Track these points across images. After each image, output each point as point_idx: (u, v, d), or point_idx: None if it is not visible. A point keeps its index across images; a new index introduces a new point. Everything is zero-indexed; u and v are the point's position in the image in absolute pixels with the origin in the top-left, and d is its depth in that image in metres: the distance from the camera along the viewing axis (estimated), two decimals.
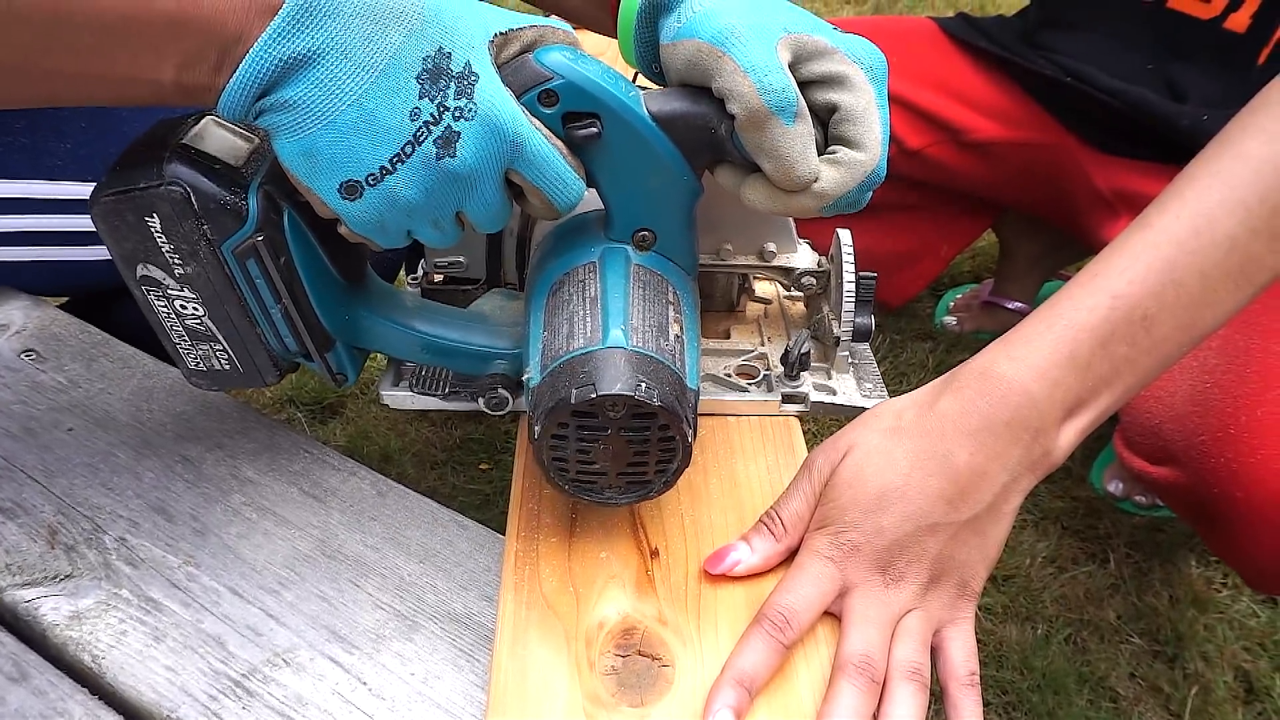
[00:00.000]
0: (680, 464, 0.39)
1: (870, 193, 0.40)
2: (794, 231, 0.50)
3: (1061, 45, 0.97)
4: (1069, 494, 1.09)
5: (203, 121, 0.40)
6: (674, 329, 0.40)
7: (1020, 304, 1.26)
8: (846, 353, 0.50)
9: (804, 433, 0.50)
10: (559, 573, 0.41)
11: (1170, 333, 0.40)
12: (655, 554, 0.42)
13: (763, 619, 0.38)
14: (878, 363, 1.44)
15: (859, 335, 0.49)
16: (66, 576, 0.43)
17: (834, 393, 0.49)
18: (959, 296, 1.37)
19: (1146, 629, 0.96)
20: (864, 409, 0.48)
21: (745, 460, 0.47)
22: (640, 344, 0.38)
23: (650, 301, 0.40)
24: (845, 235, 0.49)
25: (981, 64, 1.02)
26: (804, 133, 0.38)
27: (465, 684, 0.39)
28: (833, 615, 0.40)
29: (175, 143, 0.39)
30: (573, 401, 0.36)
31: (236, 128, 0.41)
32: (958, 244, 1.23)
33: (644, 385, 0.36)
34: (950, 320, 1.35)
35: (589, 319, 0.39)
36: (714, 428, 0.49)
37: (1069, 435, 0.40)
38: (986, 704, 0.90)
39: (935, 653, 0.40)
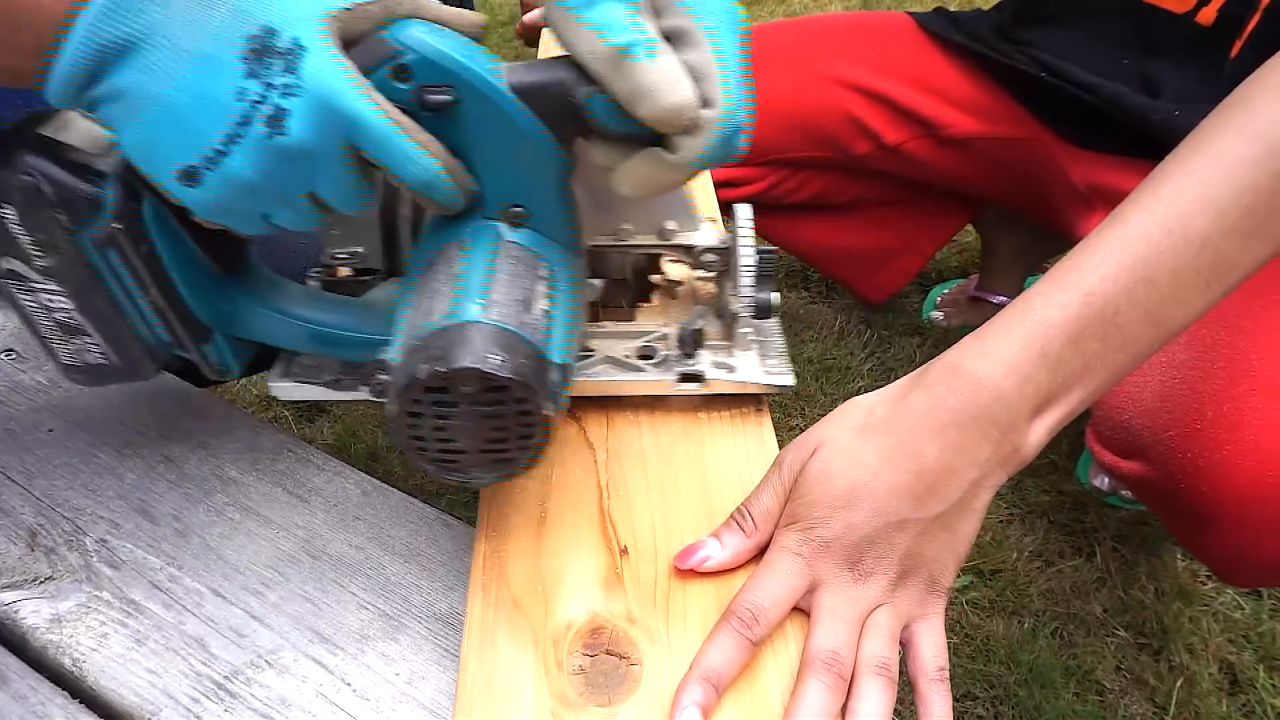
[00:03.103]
0: (543, 438, 0.38)
1: (738, 139, 0.39)
2: (694, 209, 0.49)
3: (1037, 39, 0.97)
4: (1055, 488, 1.10)
5: (68, 112, 0.40)
6: (541, 304, 0.39)
7: (1006, 298, 1.27)
8: (748, 330, 0.50)
9: (781, 429, 0.50)
10: (527, 572, 0.41)
11: (1142, 330, 0.41)
12: (624, 552, 0.42)
13: (731, 616, 0.38)
14: (865, 358, 1.43)
15: (760, 311, 0.48)
16: (47, 579, 0.43)
17: (733, 370, 0.49)
18: (946, 291, 1.38)
19: (1132, 622, 0.96)
20: (763, 385, 0.48)
21: (716, 457, 0.47)
22: (498, 318, 0.37)
23: (517, 277, 0.40)
24: (743, 210, 0.49)
25: (959, 59, 1.03)
26: (667, 64, 0.36)
27: (450, 684, 0.39)
28: (802, 612, 0.40)
29: (31, 133, 0.39)
30: (422, 377, 0.36)
31: None
32: (938, 239, 1.24)
33: (495, 359, 0.36)
34: (937, 315, 1.35)
35: (447, 294, 0.38)
36: (685, 425, 0.49)
37: (1039, 431, 0.40)
38: (974, 698, 0.90)
39: (905, 648, 0.40)
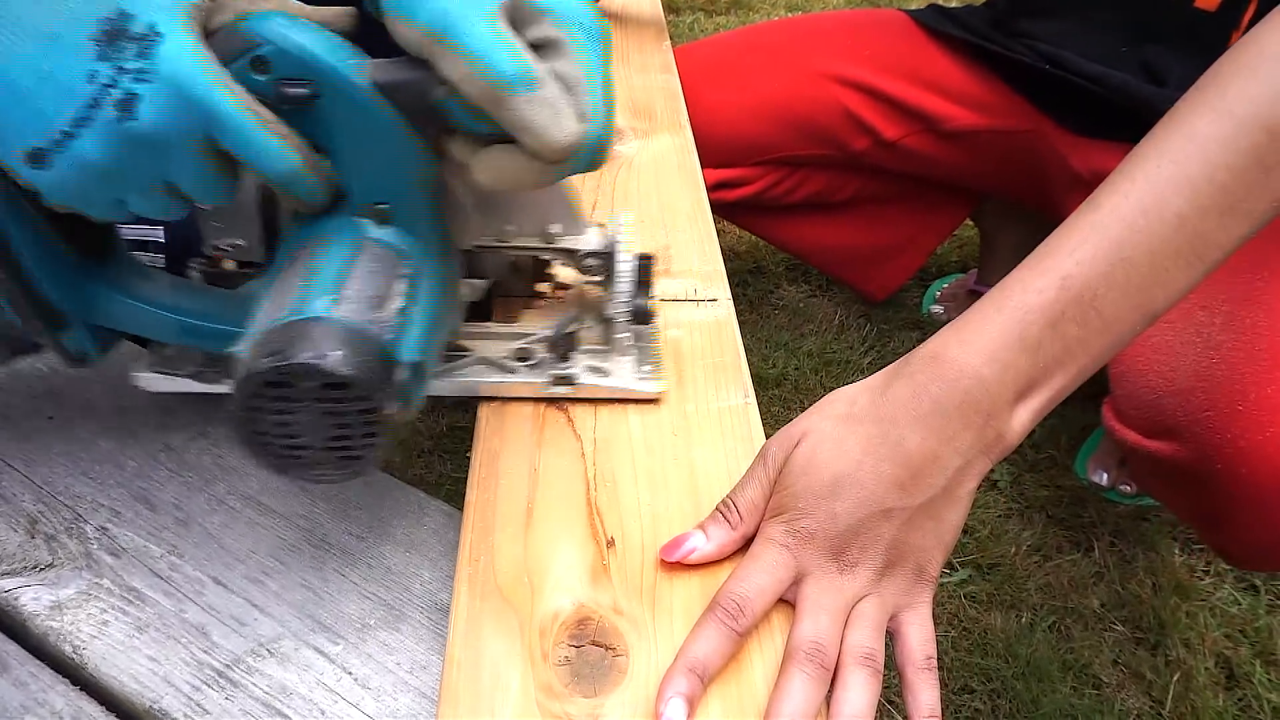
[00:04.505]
0: (389, 438, 0.38)
1: (603, 154, 0.38)
2: (578, 212, 0.49)
3: (1035, 31, 0.97)
4: (1054, 483, 1.10)
5: None
6: (395, 303, 0.39)
7: None
8: (626, 335, 0.50)
9: (780, 422, 0.50)
10: (514, 563, 0.41)
11: (1122, 312, 0.40)
12: (611, 543, 0.42)
13: (716, 607, 0.38)
14: (864, 351, 1.43)
15: (637, 317, 0.48)
16: (47, 566, 0.43)
17: (606, 374, 0.49)
18: (945, 286, 1.38)
19: (1130, 616, 0.97)
20: (634, 391, 0.49)
21: (703, 449, 0.47)
22: (345, 314, 0.37)
23: (373, 274, 0.39)
24: (625, 217, 0.49)
25: (956, 53, 1.03)
26: (549, 97, 0.35)
27: None
28: (789, 603, 0.40)
29: None
30: (260, 371, 0.35)
31: None
32: (938, 235, 1.24)
33: (335, 355, 0.35)
34: (937, 309, 1.35)
35: (298, 290, 0.38)
36: (672, 417, 0.49)
37: (1023, 417, 0.40)
38: (971, 690, 0.90)
39: (893, 638, 0.40)
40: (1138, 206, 0.41)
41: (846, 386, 0.43)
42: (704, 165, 1.11)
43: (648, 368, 0.50)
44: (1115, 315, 0.40)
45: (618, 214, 0.50)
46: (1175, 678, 0.90)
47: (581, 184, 0.68)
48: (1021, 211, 1.18)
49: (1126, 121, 0.90)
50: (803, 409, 0.44)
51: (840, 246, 1.20)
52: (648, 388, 0.49)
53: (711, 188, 1.08)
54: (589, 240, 0.49)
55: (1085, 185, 0.97)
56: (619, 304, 0.48)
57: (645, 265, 0.48)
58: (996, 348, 0.40)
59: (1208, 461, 0.61)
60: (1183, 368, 0.64)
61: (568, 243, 0.49)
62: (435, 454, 1.12)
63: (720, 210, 1.14)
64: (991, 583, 1.00)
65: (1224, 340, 0.64)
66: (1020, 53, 0.96)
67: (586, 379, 0.49)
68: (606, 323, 0.50)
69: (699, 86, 1.03)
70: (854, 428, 0.40)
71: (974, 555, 1.02)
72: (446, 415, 1.17)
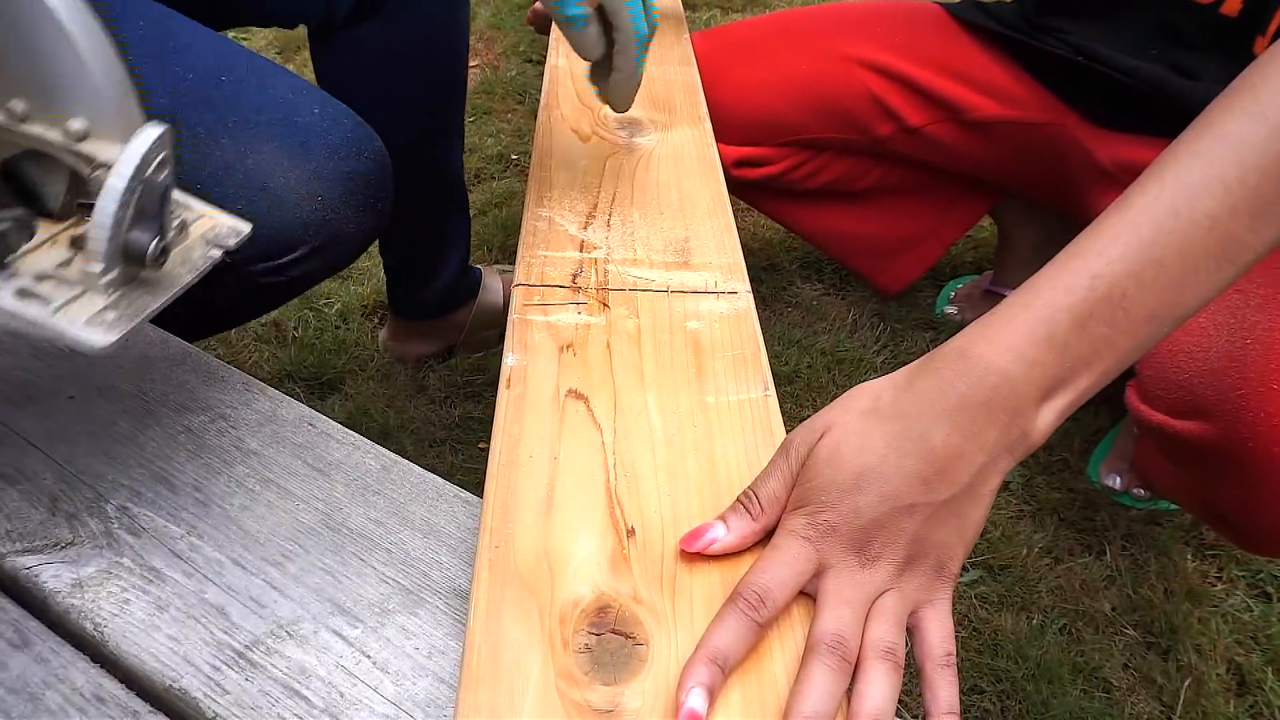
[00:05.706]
0: None
1: None
2: (125, 107, 0.37)
3: (1065, 29, 0.98)
4: (1066, 486, 1.10)
5: None
6: None
7: None
8: (101, 268, 0.36)
9: (791, 419, 0.50)
10: (534, 551, 0.41)
11: (1150, 313, 0.40)
12: (631, 533, 0.42)
13: (737, 598, 0.38)
14: (877, 350, 1.42)
15: (131, 255, 0.36)
16: (68, 544, 0.43)
17: (45, 303, 0.37)
18: (960, 286, 1.37)
19: (1141, 621, 0.96)
20: (65, 336, 0.37)
21: (724, 441, 0.47)
22: None
23: None
24: (150, 131, 0.36)
25: (987, 46, 1.04)
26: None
27: None
28: (810, 596, 0.40)
29: None
30: None
31: None
32: (956, 229, 1.23)
33: None
34: (951, 310, 1.35)
35: None
36: (692, 408, 0.49)
37: (1047, 416, 0.40)
38: (981, 691, 0.90)
39: (912, 633, 0.40)
40: (1168, 207, 0.40)
41: (870, 381, 0.43)
42: (727, 142, 1.11)
43: (114, 315, 0.37)
44: (1144, 316, 0.40)
45: (145, 131, 0.36)
46: (1186, 683, 0.90)
47: (600, 177, 0.68)
48: (1042, 210, 1.18)
49: (1154, 114, 0.90)
50: (815, 407, 0.43)
51: (857, 234, 1.20)
52: (83, 336, 0.36)
53: (733, 164, 1.08)
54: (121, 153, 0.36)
55: (1109, 177, 0.97)
56: (97, 231, 0.36)
57: (154, 190, 0.36)
58: (1024, 345, 0.39)
59: (1239, 441, 0.61)
60: (1215, 349, 0.64)
61: (90, 146, 0.36)
62: (447, 444, 1.12)
63: (740, 189, 1.14)
64: (1003, 584, 0.99)
65: (1258, 321, 0.63)
66: (1054, 45, 0.96)
67: (7, 302, 0.37)
68: (82, 250, 0.38)
69: (724, 64, 1.03)
70: (878, 422, 0.40)
71: (985, 556, 1.02)
72: (459, 405, 1.17)
